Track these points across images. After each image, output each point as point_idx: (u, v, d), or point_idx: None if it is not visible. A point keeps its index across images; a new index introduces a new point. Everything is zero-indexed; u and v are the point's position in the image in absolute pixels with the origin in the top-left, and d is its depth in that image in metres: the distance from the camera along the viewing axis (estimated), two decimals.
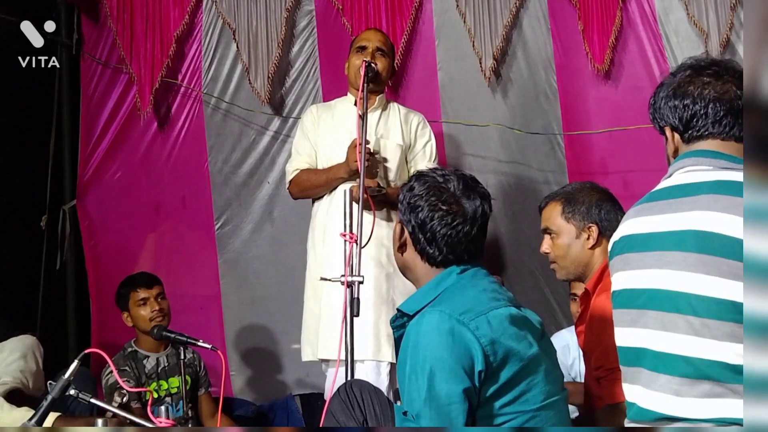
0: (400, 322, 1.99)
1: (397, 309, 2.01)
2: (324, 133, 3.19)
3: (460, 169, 2.06)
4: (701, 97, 1.66)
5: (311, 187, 3.14)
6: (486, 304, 1.84)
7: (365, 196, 2.69)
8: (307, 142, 3.22)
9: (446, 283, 1.93)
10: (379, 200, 2.95)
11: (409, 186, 2.00)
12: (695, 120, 1.66)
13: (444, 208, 1.93)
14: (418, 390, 1.77)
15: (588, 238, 2.40)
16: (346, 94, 3.27)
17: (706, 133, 1.66)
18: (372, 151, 3.01)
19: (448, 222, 1.92)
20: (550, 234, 2.48)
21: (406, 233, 2.00)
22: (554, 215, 2.46)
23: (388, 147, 3.15)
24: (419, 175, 2.02)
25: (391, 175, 3.12)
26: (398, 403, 1.94)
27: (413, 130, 3.22)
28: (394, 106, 3.28)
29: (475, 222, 1.94)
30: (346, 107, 3.19)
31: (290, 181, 3.20)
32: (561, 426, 1.91)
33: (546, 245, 2.50)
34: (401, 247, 2.01)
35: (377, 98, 3.17)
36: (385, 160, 3.13)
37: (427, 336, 1.79)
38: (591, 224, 2.41)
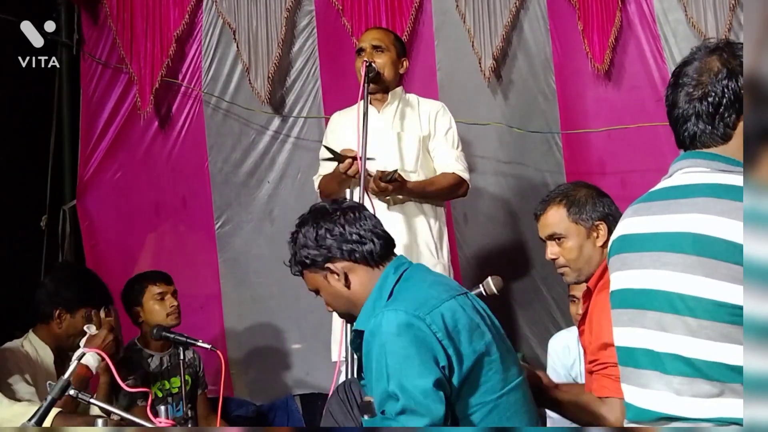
0: (360, 341, 1.95)
1: (353, 330, 1.99)
2: (346, 135, 3.17)
3: None
4: (709, 112, 1.58)
5: (332, 190, 3.17)
6: (437, 297, 1.86)
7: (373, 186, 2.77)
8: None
9: (389, 283, 1.94)
10: (396, 189, 2.95)
11: (301, 233, 2.04)
12: (699, 135, 1.61)
13: (338, 211, 2.02)
14: (390, 391, 1.77)
15: (597, 237, 2.34)
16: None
17: (708, 142, 1.60)
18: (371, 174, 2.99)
19: (353, 217, 2.01)
20: (557, 239, 2.38)
21: (339, 263, 1.99)
22: (559, 219, 2.37)
23: (406, 139, 3.14)
24: (296, 225, 2.07)
25: (411, 167, 3.11)
26: (366, 417, 1.91)
27: (432, 119, 3.20)
28: (411, 99, 3.25)
29: (364, 208, 2.08)
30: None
31: (318, 189, 3.27)
32: (526, 407, 1.91)
33: (554, 251, 2.38)
34: (347, 281, 1.99)
35: (390, 93, 3.17)
36: (391, 157, 3.11)
37: (387, 335, 1.79)
38: (599, 222, 2.34)
